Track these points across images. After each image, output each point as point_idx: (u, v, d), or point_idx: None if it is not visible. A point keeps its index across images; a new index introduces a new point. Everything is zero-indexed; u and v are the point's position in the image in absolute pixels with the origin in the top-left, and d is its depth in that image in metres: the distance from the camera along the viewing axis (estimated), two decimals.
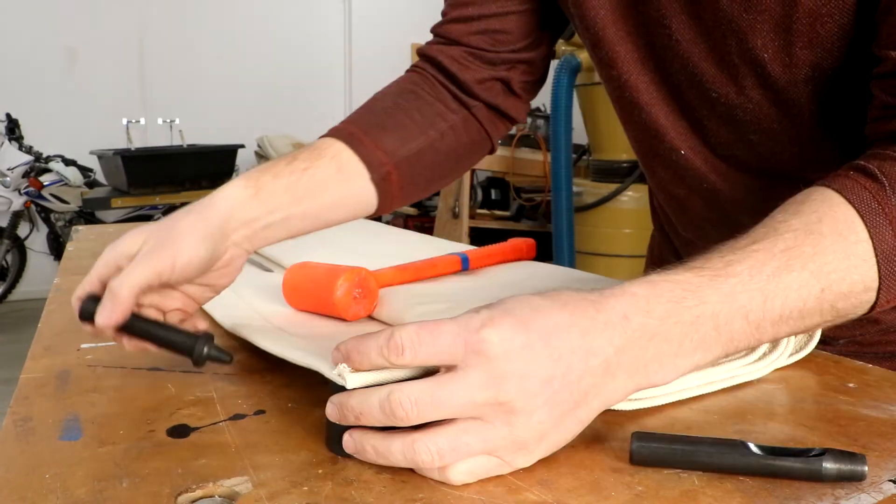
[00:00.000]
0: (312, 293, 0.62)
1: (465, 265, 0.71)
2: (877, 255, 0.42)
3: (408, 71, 0.71)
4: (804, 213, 0.43)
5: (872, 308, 0.44)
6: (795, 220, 0.43)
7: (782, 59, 0.54)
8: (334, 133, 0.62)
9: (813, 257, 0.41)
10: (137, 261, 0.48)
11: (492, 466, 0.36)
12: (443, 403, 0.35)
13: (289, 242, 0.88)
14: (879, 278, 0.42)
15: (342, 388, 0.38)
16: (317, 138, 0.62)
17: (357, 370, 0.38)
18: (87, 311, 0.48)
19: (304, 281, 0.63)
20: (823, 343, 0.58)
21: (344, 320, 0.61)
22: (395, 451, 0.36)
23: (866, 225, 0.42)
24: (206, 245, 0.50)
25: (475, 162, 0.72)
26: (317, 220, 0.59)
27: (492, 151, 0.73)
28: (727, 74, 0.57)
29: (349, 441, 0.38)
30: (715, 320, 0.39)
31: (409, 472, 0.37)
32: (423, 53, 0.70)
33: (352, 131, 0.61)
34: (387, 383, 0.39)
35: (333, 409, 0.38)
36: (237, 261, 0.55)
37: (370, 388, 0.37)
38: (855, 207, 0.43)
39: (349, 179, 0.60)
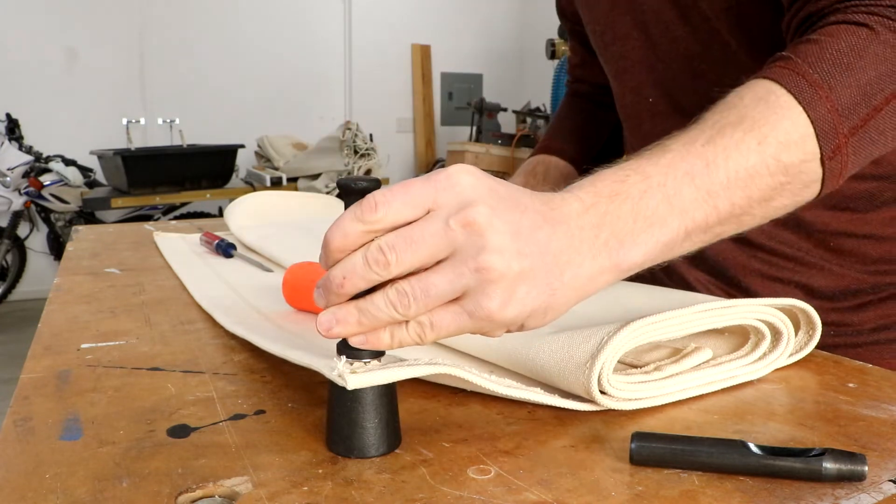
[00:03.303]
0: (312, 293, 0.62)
1: None
2: (801, 104, 0.44)
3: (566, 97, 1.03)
4: (724, 100, 0.45)
5: (823, 163, 0.45)
6: (718, 107, 0.45)
7: None
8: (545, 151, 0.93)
9: (742, 120, 0.43)
10: None
11: (463, 321, 0.36)
12: (417, 238, 0.35)
13: (288, 243, 0.88)
14: (812, 123, 0.44)
15: (342, 388, 0.38)
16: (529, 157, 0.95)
17: (336, 260, 0.37)
18: None
19: (304, 281, 0.63)
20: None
21: None
22: (379, 303, 0.36)
23: (783, 85, 0.44)
24: None
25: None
26: None
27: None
28: (680, 12, 0.65)
29: (329, 318, 0.37)
30: (663, 190, 0.40)
31: (409, 472, 0.37)
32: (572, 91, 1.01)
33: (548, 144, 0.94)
34: (387, 383, 0.39)
35: (319, 294, 0.38)
36: None
37: (353, 252, 0.36)
38: (771, 78, 0.45)
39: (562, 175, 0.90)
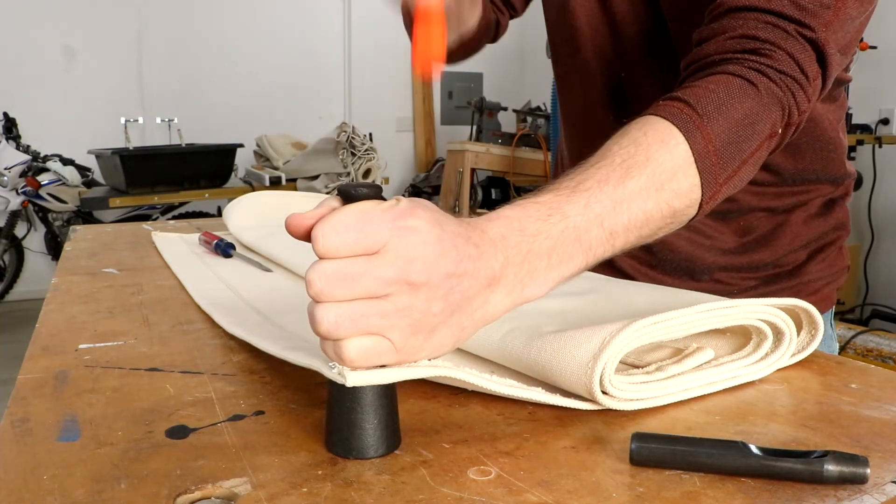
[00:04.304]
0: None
1: None
2: (693, 155, 0.50)
3: None
4: (630, 133, 0.51)
5: (700, 207, 0.52)
6: (624, 139, 0.50)
7: None
8: None
9: (647, 162, 0.48)
10: None
11: (383, 350, 0.37)
12: (355, 277, 0.35)
13: (286, 242, 0.88)
14: (699, 174, 0.51)
15: (341, 388, 0.38)
16: None
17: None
18: None
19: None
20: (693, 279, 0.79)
21: None
22: (308, 311, 0.37)
23: (681, 131, 0.51)
24: None
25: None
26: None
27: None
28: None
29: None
30: (576, 232, 0.44)
31: (409, 473, 0.37)
32: None
33: None
34: (388, 382, 0.39)
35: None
36: None
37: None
38: (670, 121, 0.51)
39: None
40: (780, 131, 0.56)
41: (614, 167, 0.47)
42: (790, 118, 0.56)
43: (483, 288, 0.40)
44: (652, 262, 0.81)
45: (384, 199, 0.38)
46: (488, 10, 0.89)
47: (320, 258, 0.36)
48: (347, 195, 0.38)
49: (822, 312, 0.79)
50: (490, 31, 0.92)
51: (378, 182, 4.12)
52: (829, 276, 0.81)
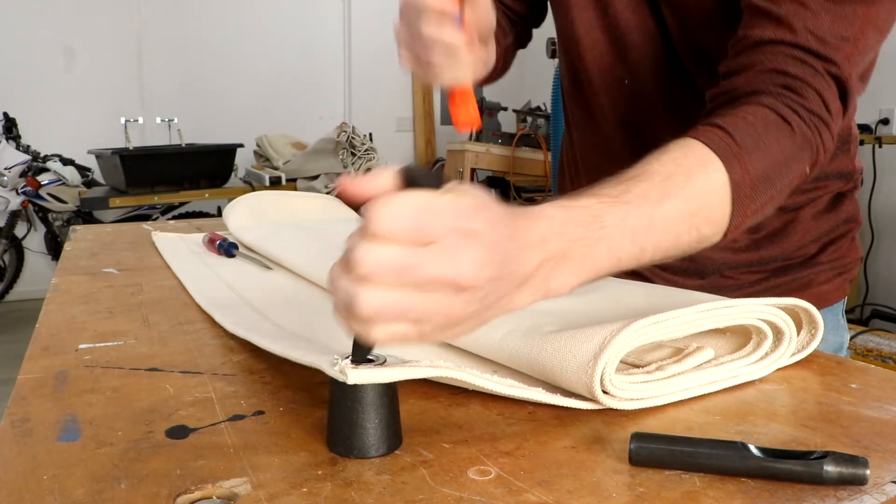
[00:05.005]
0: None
1: None
2: (730, 185, 0.51)
3: None
4: (671, 151, 0.52)
5: (725, 234, 0.53)
6: (665, 157, 0.51)
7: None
8: None
9: (685, 185, 0.49)
10: None
11: (411, 336, 0.37)
12: (407, 269, 0.35)
13: (287, 243, 0.88)
14: (731, 204, 0.52)
15: (343, 386, 0.38)
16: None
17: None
18: None
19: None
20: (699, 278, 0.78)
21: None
22: (341, 286, 0.36)
23: (720, 159, 0.51)
24: None
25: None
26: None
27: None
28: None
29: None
30: (610, 243, 0.45)
31: (409, 473, 0.37)
32: None
33: None
34: (389, 381, 0.39)
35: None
36: None
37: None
38: (710, 147, 0.52)
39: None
40: (807, 171, 0.58)
41: (654, 184, 0.48)
42: (817, 158, 0.58)
43: (515, 288, 0.40)
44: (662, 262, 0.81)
45: (444, 182, 0.37)
46: (505, 38, 0.89)
47: (369, 237, 0.35)
48: (410, 179, 0.37)
49: (833, 302, 0.81)
50: (511, 56, 0.94)
51: None
52: (842, 266, 0.81)
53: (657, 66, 0.75)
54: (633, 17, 0.75)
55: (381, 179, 0.37)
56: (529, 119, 4.25)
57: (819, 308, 0.78)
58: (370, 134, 4.29)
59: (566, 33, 0.82)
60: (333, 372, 0.38)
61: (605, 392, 0.43)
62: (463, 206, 0.37)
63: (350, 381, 0.37)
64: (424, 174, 0.37)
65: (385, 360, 0.39)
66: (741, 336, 0.52)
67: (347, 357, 0.39)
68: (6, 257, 4.15)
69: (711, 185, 0.51)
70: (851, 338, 2.58)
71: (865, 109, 3.23)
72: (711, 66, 0.65)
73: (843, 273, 0.81)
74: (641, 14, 0.74)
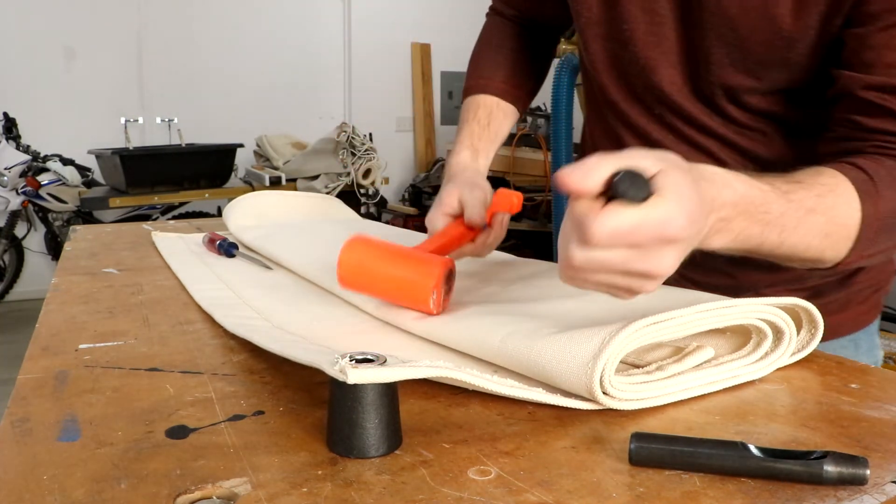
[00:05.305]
0: (391, 282, 0.58)
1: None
2: (861, 222, 0.55)
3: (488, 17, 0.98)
4: (824, 175, 0.56)
5: (834, 266, 0.57)
6: (822, 178, 0.55)
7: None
8: (483, 90, 0.90)
9: (832, 209, 0.54)
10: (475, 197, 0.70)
11: (619, 289, 0.45)
12: (613, 267, 0.43)
13: (287, 242, 0.88)
14: (856, 240, 0.55)
15: (343, 386, 0.38)
16: (466, 99, 0.90)
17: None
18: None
19: (379, 265, 0.58)
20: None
21: (342, 322, 0.61)
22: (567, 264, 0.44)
23: (860, 197, 0.55)
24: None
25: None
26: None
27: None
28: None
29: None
30: (764, 227, 0.51)
31: (409, 473, 0.37)
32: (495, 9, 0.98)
33: (496, 86, 0.90)
34: (389, 381, 0.39)
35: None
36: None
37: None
38: (854, 185, 0.55)
39: (507, 117, 0.91)
40: None
41: (811, 197, 0.53)
42: None
43: (680, 254, 0.44)
44: (698, 281, 0.78)
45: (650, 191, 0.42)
46: (530, 81, 0.94)
47: (588, 245, 0.42)
48: (621, 193, 0.41)
49: (870, 322, 0.79)
50: (540, 84, 0.98)
51: (378, 183, 4.12)
52: (879, 281, 0.79)
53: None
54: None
55: (596, 176, 0.42)
56: (529, 119, 4.25)
57: (856, 330, 0.76)
58: (370, 134, 4.29)
59: (612, 17, 0.76)
60: (333, 372, 0.38)
61: (605, 393, 0.43)
62: (670, 223, 0.42)
63: (350, 381, 0.37)
64: (638, 193, 0.41)
65: (385, 360, 0.39)
66: (741, 336, 0.52)
67: (347, 356, 0.39)
68: (6, 257, 4.15)
69: (848, 220, 0.55)
70: None
71: None
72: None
73: (879, 289, 0.80)
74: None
